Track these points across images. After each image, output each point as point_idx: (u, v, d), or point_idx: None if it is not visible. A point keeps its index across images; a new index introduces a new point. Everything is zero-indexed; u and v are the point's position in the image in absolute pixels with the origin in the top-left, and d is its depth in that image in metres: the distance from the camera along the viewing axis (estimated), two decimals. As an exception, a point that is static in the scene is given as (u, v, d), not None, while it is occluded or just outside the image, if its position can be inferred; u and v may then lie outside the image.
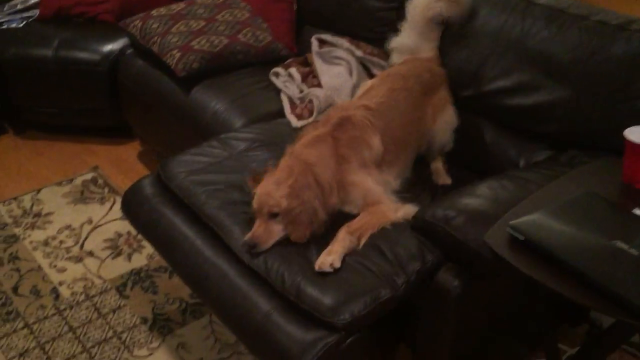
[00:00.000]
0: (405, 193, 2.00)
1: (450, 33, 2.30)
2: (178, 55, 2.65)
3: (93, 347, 2.14)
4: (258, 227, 1.78)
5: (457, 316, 1.72)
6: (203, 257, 1.87)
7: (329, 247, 1.73)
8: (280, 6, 2.95)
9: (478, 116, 2.25)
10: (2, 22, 3.36)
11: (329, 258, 1.68)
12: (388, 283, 1.66)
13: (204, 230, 1.94)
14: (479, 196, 1.75)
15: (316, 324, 1.60)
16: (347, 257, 1.73)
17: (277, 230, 1.78)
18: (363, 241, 1.77)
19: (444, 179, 2.16)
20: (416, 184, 2.08)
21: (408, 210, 1.86)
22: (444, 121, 2.20)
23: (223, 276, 1.80)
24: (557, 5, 2.09)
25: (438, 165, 2.20)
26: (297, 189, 1.77)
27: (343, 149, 1.92)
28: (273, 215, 1.77)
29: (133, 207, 2.12)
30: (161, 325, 2.23)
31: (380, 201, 1.88)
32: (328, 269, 1.67)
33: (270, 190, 1.78)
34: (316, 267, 1.68)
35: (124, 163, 3.22)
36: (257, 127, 2.37)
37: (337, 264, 1.68)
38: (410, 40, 2.36)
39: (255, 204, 1.80)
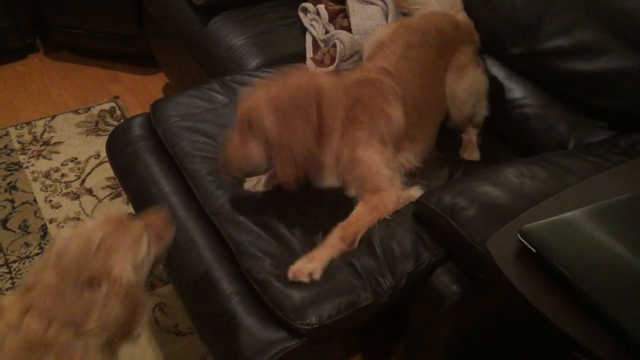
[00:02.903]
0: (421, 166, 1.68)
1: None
2: (197, -21, 2.36)
3: (67, 296, 1.98)
4: (233, 140, 1.43)
5: (453, 326, 1.42)
6: (174, 217, 1.62)
7: (314, 252, 1.40)
8: None
9: (526, 80, 1.85)
10: None
11: (309, 266, 1.36)
12: (371, 286, 1.36)
13: (182, 187, 1.70)
14: (500, 184, 1.41)
15: (279, 322, 1.34)
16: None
17: (256, 152, 1.42)
18: (358, 239, 1.46)
19: (472, 154, 1.80)
20: (436, 158, 1.73)
21: (412, 194, 1.53)
22: (467, 87, 1.79)
23: (191, 244, 1.55)
24: (642, -53, 1.64)
25: (469, 137, 1.85)
26: (290, 114, 1.39)
27: (359, 110, 1.54)
28: (252, 128, 1.41)
29: (117, 146, 1.90)
30: (143, 280, 2.04)
31: (382, 189, 1.50)
32: (304, 279, 1.35)
33: (260, 100, 1.41)
34: (290, 275, 1.36)
35: (147, 95, 3.01)
36: (269, 71, 2.06)
37: (317, 276, 1.36)
38: None
39: (238, 111, 1.44)
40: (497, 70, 1.92)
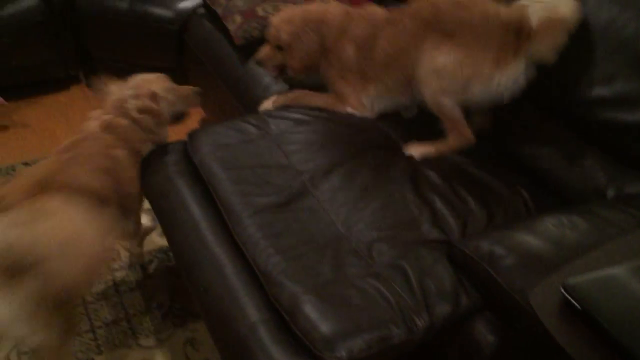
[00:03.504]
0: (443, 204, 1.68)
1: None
2: (239, 21, 2.43)
3: (100, 327, 2.00)
4: (265, 50, 2.13)
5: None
6: (203, 241, 1.65)
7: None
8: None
9: (562, 126, 1.85)
10: (85, -31, 3.27)
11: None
12: (405, 322, 1.35)
13: (213, 213, 1.73)
14: (539, 234, 1.40)
15: (306, 352, 1.33)
16: (362, 279, 1.45)
17: (277, 56, 2.11)
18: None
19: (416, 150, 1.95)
20: (470, 200, 1.73)
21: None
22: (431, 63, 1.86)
23: (218, 269, 1.57)
24: (685, 2, 1.65)
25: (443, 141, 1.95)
26: (302, 30, 2.03)
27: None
28: (278, 47, 2.09)
29: (150, 170, 1.95)
30: (175, 314, 2.06)
31: (343, 95, 2.08)
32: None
33: (281, 23, 2.06)
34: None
35: (183, 128, 3.05)
36: (307, 108, 2.10)
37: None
38: None
39: (267, 32, 2.13)
40: (533, 114, 1.93)
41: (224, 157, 1.84)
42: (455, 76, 1.82)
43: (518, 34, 1.75)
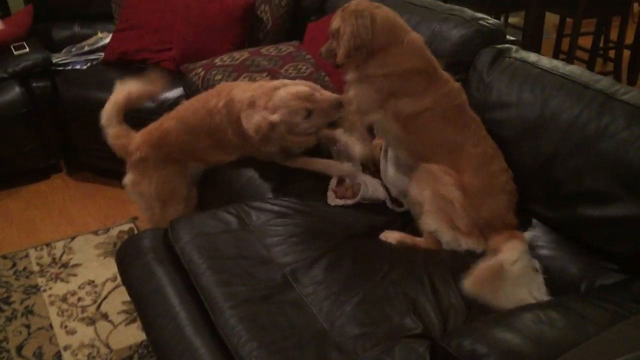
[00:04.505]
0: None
1: (512, 121, 2.01)
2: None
3: None
4: (327, 44, 2.15)
5: None
6: (181, 333, 1.66)
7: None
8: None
9: (535, 219, 1.93)
10: (68, 63, 3.39)
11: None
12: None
13: (192, 302, 1.75)
14: (519, 331, 1.43)
15: None
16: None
17: (332, 44, 2.13)
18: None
19: None
20: (449, 292, 1.77)
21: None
22: None
23: None
24: (642, 104, 1.77)
25: None
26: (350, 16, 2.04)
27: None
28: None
29: (127, 258, 1.96)
30: (156, 413, 2.02)
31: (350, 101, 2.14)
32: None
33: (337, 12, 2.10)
34: None
35: (164, 217, 3.09)
36: (286, 200, 2.15)
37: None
38: None
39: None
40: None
41: (205, 246, 1.88)
42: (447, 206, 1.96)
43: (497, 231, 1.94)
